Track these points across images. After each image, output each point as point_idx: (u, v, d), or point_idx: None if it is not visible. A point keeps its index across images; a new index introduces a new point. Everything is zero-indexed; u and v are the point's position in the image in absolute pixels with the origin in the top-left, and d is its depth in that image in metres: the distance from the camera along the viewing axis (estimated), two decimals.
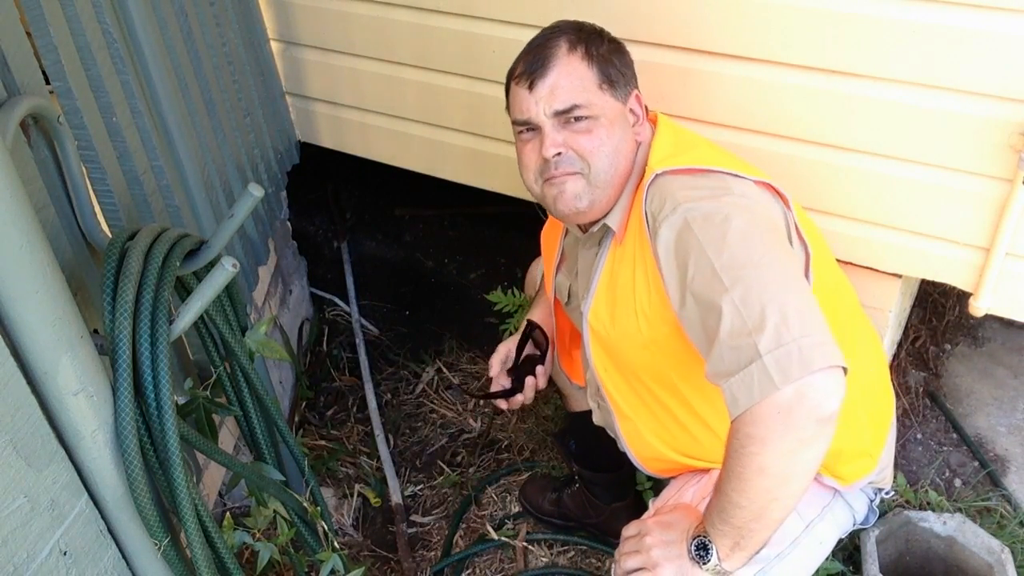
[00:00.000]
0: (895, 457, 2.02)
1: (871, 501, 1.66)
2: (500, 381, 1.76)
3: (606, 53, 1.40)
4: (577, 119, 1.37)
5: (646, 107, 1.48)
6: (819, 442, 1.16)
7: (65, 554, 1.06)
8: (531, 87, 1.37)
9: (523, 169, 1.45)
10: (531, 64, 1.39)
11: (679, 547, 1.32)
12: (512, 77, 1.43)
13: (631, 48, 1.76)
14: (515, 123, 1.44)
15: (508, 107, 1.46)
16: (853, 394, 1.45)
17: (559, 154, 1.37)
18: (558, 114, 1.37)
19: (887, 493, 1.69)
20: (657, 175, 1.34)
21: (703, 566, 1.28)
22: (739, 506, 1.21)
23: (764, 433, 1.16)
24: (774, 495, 1.20)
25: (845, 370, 1.17)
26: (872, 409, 1.56)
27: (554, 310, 1.78)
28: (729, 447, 1.21)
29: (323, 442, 2.36)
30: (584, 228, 1.52)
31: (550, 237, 1.74)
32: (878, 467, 1.57)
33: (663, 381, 1.46)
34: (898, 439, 2.07)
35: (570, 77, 1.37)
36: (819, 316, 1.18)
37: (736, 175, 1.33)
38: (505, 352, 1.78)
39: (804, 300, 1.20)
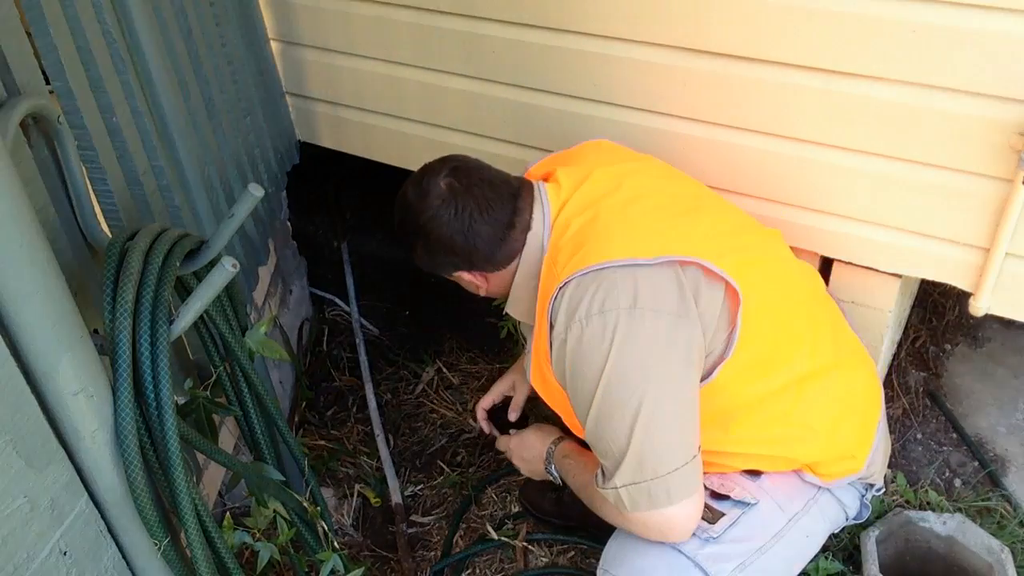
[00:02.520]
0: (895, 457, 2.02)
1: (862, 496, 1.66)
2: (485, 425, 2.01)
3: (422, 254, 1.54)
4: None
5: (546, 175, 1.55)
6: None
7: (65, 554, 1.06)
8: None
9: None
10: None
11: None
12: None
13: (631, 48, 1.76)
14: None
15: None
16: (829, 404, 1.54)
17: None
18: None
19: (878, 490, 1.70)
20: (559, 287, 1.41)
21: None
22: (572, 488, 1.66)
23: (612, 518, 1.51)
24: (589, 505, 1.59)
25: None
26: (851, 413, 1.57)
27: None
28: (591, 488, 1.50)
29: (323, 442, 2.36)
30: None
31: None
32: (864, 466, 1.58)
33: None
34: (898, 439, 2.07)
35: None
36: (677, 447, 1.37)
37: (632, 264, 1.37)
38: (490, 404, 1.99)
39: (664, 437, 1.36)
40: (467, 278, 1.56)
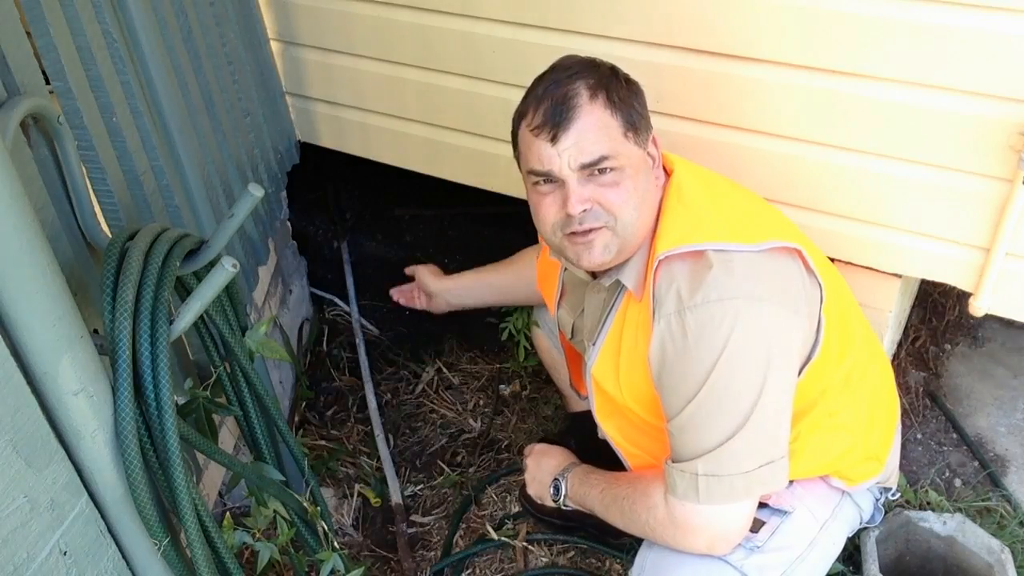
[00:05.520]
0: None
1: (877, 500, 1.66)
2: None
3: (626, 97, 1.34)
4: (602, 171, 1.30)
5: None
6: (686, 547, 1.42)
7: (65, 554, 1.06)
8: (554, 139, 1.29)
9: (540, 221, 1.39)
10: (551, 114, 1.30)
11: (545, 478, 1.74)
12: (526, 125, 1.35)
13: (631, 48, 1.76)
14: (532, 173, 1.36)
15: (518, 154, 1.39)
16: (860, 401, 1.49)
17: (586, 210, 1.32)
18: (584, 167, 1.30)
19: (894, 494, 1.70)
20: (666, 257, 1.31)
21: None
22: (594, 508, 1.60)
23: (657, 527, 1.42)
24: (619, 524, 1.53)
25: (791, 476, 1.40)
26: (879, 414, 1.57)
27: (559, 339, 1.81)
28: (639, 493, 1.46)
29: (323, 442, 2.35)
30: (594, 274, 1.49)
31: (548, 268, 1.73)
32: (885, 470, 1.58)
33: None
34: None
35: (595, 128, 1.29)
36: (769, 444, 1.33)
37: (745, 250, 1.31)
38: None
39: (761, 434, 1.31)
40: (654, 152, 1.38)
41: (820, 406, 1.45)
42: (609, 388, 1.51)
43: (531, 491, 1.81)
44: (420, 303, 2.20)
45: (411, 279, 2.24)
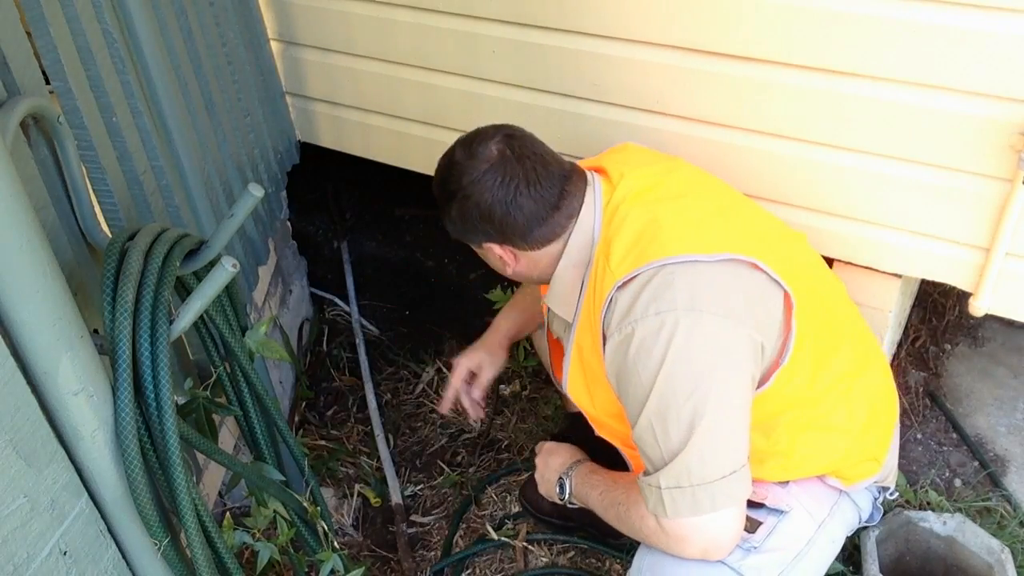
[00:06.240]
0: None
1: (875, 499, 1.66)
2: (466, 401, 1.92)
3: (457, 224, 1.49)
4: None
5: (597, 168, 1.50)
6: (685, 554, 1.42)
7: (65, 554, 1.06)
8: None
9: None
10: None
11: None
12: None
13: (631, 48, 1.76)
14: None
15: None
16: (857, 403, 1.49)
17: None
18: None
19: (892, 494, 1.70)
20: (617, 286, 1.36)
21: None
22: (595, 509, 1.59)
23: (650, 536, 1.43)
24: (617, 527, 1.52)
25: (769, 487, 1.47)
26: (877, 415, 1.57)
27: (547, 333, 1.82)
28: (632, 501, 1.45)
29: (323, 442, 2.36)
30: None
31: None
32: (883, 470, 1.58)
33: None
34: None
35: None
36: (727, 455, 1.33)
37: (689, 260, 1.33)
38: (459, 383, 1.90)
39: (715, 444, 1.31)
40: (496, 251, 1.49)
41: (808, 408, 1.45)
42: (585, 405, 1.56)
43: (541, 490, 1.81)
44: (478, 392, 1.92)
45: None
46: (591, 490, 1.62)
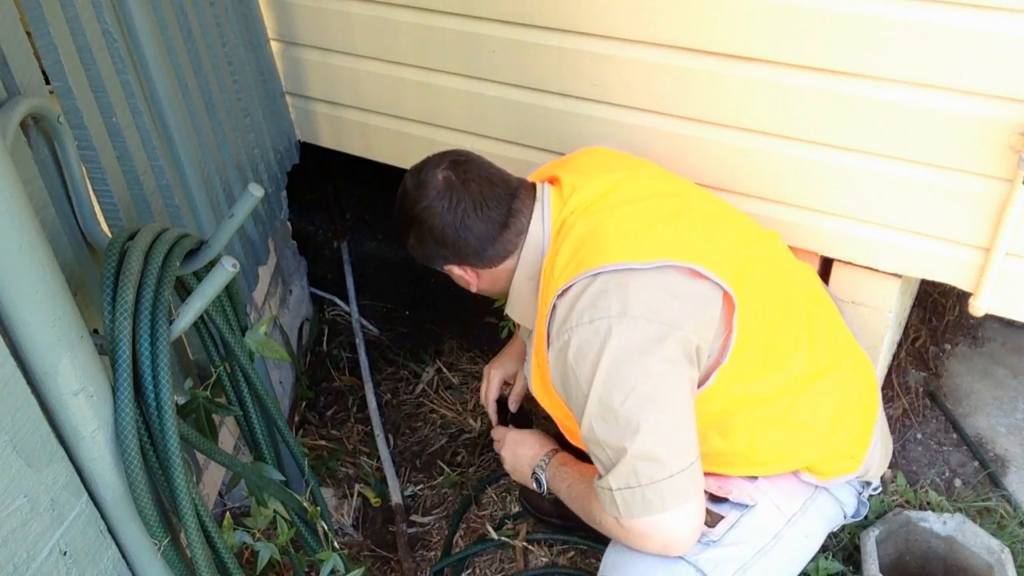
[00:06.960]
0: (895, 457, 2.02)
1: (859, 493, 1.66)
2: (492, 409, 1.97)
3: (418, 251, 1.56)
4: None
5: (551, 178, 1.55)
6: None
7: (65, 554, 1.06)
8: None
9: None
10: None
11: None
12: None
13: (631, 48, 1.76)
14: None
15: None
16: (823, 401, 1.51)
17: None
18: None
19: (875, 489, 1.70)
20: (558, 294, 1.42)
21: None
22: (565, 502, 1.64)
23: (613, 531, 1.46)
24: (587, 522, 1.56)
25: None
26: (849, 414, 1.57)
27: None
28: (595, 497, 1.46)
29: (323, 442, 2.36)
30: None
31: None
32: (862, 467, 1.58)
33: None
34: (898, 439, 2.07)
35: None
36: (671, 453, 1.35)
37: (625, 268, 1.38)
38: (496, 394, 1.96)
39: (658, 443, 1.35)
40: (457, 272, 1.57)
41: (764, 407, 1.47)
42: (548, 409, 1.61)
43: (515, 479, 1.83)
44: (514, 404, 1.97)
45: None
46: (560, 483, 1.66)
